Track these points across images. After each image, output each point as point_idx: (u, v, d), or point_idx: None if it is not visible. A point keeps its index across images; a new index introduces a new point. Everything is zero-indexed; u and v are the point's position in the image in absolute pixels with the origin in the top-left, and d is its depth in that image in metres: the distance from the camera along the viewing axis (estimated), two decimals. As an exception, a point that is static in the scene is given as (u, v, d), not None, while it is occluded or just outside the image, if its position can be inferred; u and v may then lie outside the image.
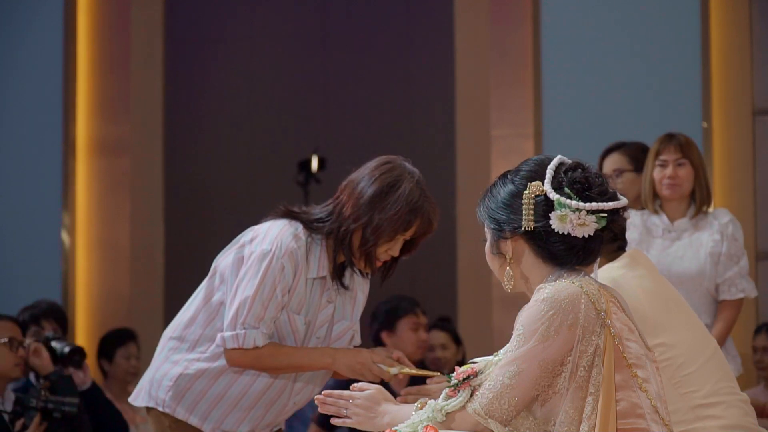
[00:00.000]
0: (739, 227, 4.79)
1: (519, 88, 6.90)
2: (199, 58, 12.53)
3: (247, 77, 12.73)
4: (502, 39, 6.95)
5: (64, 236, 7.36)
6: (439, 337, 6.39)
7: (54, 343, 4.65)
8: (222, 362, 3.59)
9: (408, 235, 3.50)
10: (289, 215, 3.57)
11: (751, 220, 6.62)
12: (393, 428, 2.71)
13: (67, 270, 7.33)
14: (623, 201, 2.71)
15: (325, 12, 12.98)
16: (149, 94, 7.54)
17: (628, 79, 6.77)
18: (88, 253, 7.38)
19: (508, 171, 2.79)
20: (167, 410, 3.65)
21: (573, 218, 2.66)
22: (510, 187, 2.75)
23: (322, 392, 2.90)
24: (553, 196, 2.67)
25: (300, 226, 3.55)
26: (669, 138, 4.76)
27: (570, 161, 2.76)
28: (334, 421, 2.86)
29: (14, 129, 7.48)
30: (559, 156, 2.76)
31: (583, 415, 2.58)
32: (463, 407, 2.67)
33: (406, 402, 3.00)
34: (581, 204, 2.67)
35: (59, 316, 5.65)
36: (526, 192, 2.69)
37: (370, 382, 3.14)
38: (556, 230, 2.68)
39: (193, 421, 3.63)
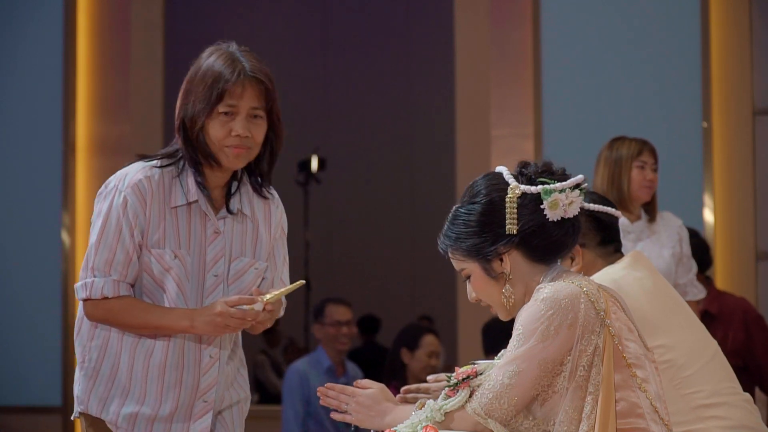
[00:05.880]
0: (686, 230, 4.95)
1: (519, 88, 6.90)
2: (199, 58, 12.55)
3: (247, 77, 12.74)
4: (502, 39, 6.96)
5: (64, 236, 7.36)
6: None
7: None
8: (114, 333, 3.21)
9: (235, 103, 3.15)
10: (145, 157, 3.27)
11: (751, 220, 6.63)
12: (392, 428, 2.71)
13: (67, 270, 7.34)
14: (581, 176, 2.76)
15: (326, 12, 12.99)
16: (149, 94, 7.55)
17: (628, 79, 6.77)
18: (88, 253, 7.38)
19: (461, 203, 2.78)
20: (81, 408, 3.25)
21: (562, 199, 2.69)
22: (479, 208, 2.74)
23: (326, 384, 2.90)
24: (535, 189, 2.70)
25: (156, 160, 3.23)
26: (645, 142, 4.86)
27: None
28: (333, 415, 2.86)
29: (14, 129, 7.48)
30: (500, 167, 2.79)
31: (583, 415, 2.59)
32: (463, 407, 2.67)
33: (405, 401, 2.99)
34: (563, 184, 2.70)
35: None
36: (508, 197, 2.70)
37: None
38: (550, 219, 2.69)
39: (107, 415, 3.21)
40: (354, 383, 2.87)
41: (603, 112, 6.75)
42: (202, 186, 3.20)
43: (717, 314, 5.28)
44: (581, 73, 6.84)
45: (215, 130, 3.17)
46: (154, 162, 3.23)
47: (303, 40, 12.92)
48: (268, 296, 3.13)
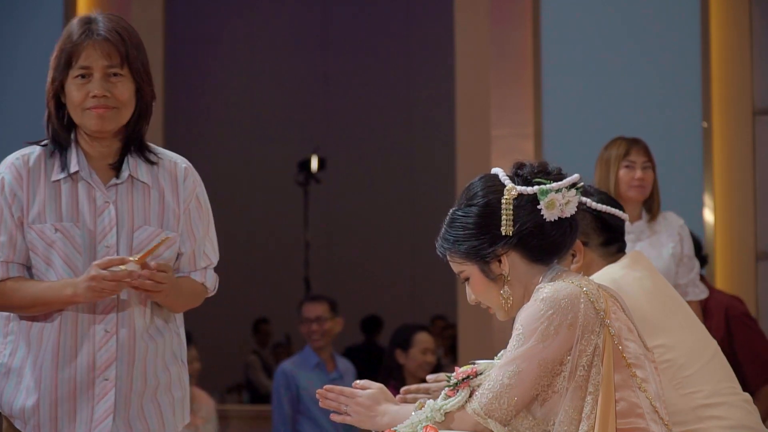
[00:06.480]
0: (687, 230, 4.95)
1: (519, 88, 6.90)
2: (199, 58, 12.55)
3: (247, 77, 12.75)
4: (502, 39, 6.96)
5: (64, 236, 7.36)
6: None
7: None
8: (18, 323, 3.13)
9: (87, 64, 3.07)
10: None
11: (751, 220, 6.63)
12: (392, 428, 2.71)
13: (67, 270, 7.33)
14: (576, 175, 2.76)
15: (326, 12, 12.99)
16: (149, 94, 7.54)
17: (628, 79, 6.77)
18: (88, 253, 7.38)
19: (459, 206, 2.78)
20: None
21: (559, 199, 2.69)
22: (476, 210, 2.74)
23: (324, 386, 2.90)
24: (531, 189, 2.70)
25: (43, 141, 3.19)
26: (635, 141, 4.86)
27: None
28: (333, 417, 2.86)
29: (14, 129, 7.48)
30: (495, 168, 2.80)
31: (583, 415, 2.59)
32: (463, 407, 2.67)
33: (405, 401, 2.99)
34: (559, 183, 2.70)
35: None
36: (504, 198, 2.70)
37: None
38: (548, 219, 2.69)
39: (17, 410, 3.12)
40: (353, 384, 2.87)
41: (603, 112, 6.75)
42: (84, 157, 3.14)
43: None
44: (581, 73, 6.84)
45: (73, 94, 3.10)
46: (40, 142, 3.20)
47: (303, 40, 12.92)
48: (137, 256, 3.04)
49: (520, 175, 2.75)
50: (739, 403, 3.38)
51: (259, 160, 12.48)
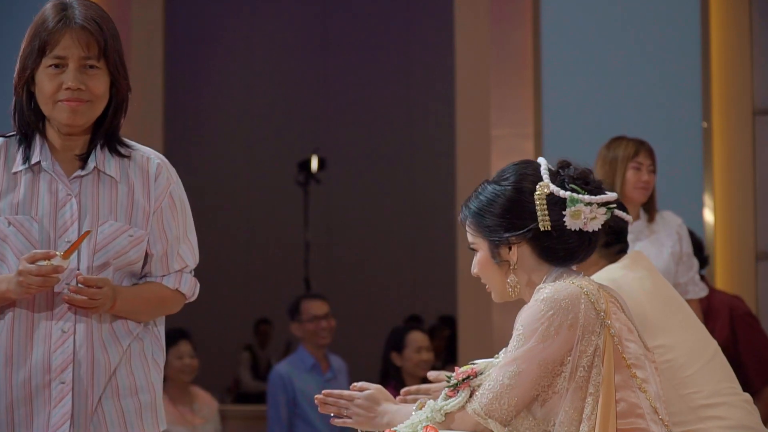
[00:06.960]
0: (686, 228, 4.97)
1: (519, 88, 6.90)
2: (199, 58, 12.55)
3: (247, 77, 12.75)
4: (502, 39, 6.95)
5: (64, 236, 7.35)
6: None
7: None
8: None
9: (63, 54, 2.93)
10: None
11: (751, 220, 6.63)
12: (392, 428, 2.71)
13: (67, 270, 7.32)
14: (614, 194, 2.75)
15: (326, 12, 12.99)
16: (149, 94, 7.54)
17: (629, 79, 6.77)
18: (88, 253, 7.37)
19: (490, 180, 2.79)
20: None
21: (586, 213, 2.69)
22: (507, 194, 2.74)
23: (323, 392, 2.90)
24: (563, 193, 2.69)
25: (2, 136, 3.04)
26: (642, 143, 4.86)
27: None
28: (334, 421, 2.86)
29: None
30: (541, 158, 2.78)
31: (583, 416, 2.59)
32: (463, 407, 2.67)
33: (405, 402, 2.99)
34: (593, 198, 2.69)
35: None
36: (537, 193, 2.70)
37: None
38: (568, 227, 2.69)
39: None
40: (351, 386, 2.87)
41: (603, 112, 6.75)
42: (48, 148, 2.98)
43: (703, 311, 5.28)
44: (581, 73, 6.83)
45: (45, 85, 2.95)
46: (6, 134, 3.04)
47: (303, 40, 12.92)
48: (63, 250, 2.85)
49: (560, 175, 2.74)
50: (740, 404, 3.38)
51: (259, 160, 12.47)
